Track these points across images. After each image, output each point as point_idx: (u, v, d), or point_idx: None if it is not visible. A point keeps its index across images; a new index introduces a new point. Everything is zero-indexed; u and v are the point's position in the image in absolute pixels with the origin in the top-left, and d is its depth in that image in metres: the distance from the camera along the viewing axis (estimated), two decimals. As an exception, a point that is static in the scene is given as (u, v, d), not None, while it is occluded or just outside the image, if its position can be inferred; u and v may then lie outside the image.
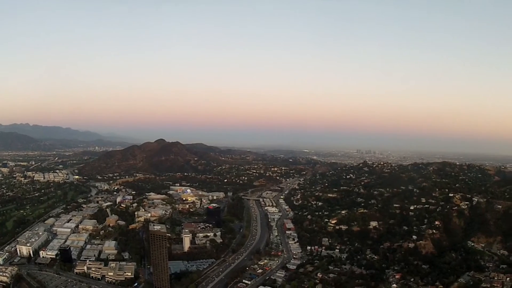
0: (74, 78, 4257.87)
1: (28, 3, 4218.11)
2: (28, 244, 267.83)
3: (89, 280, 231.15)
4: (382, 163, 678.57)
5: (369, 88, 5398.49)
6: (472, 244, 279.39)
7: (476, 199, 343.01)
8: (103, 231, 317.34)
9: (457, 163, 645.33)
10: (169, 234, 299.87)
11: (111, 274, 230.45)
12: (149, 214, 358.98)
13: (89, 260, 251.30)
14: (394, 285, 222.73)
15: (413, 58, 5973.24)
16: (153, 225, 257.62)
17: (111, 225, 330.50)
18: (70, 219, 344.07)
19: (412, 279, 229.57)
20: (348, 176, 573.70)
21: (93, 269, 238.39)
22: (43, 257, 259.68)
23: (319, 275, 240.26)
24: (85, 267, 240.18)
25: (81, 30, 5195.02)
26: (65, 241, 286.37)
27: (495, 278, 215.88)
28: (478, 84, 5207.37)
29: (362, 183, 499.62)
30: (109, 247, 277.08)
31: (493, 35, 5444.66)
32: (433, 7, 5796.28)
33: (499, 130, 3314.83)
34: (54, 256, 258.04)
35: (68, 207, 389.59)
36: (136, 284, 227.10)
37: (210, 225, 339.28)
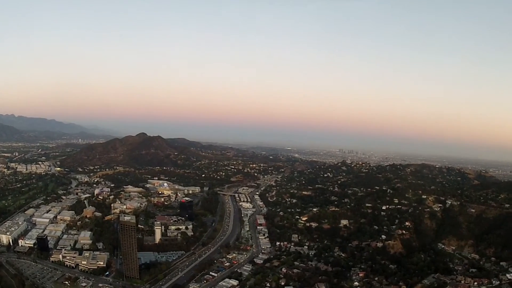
0: (60, 70, 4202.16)
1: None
2: (8, 233, 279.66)
3: (63, 268, 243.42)
4: (360, 163, 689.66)
5: (362, 90, 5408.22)
6: (443, 246, 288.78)
7: (449, 202, 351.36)
8: (80, 222, 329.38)
9: (437, 166, 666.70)
10: (141, 226, 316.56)
11: (85, 263, 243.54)
12: (125, 206, 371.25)
13: (65, 249, 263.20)
14: (356, 283, 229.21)
15: (411, 61, 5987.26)
16: (124, 215, 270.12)
17: (88, 216, 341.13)
18: (49, 210, 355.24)
19: (376, 278, 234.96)
20: (325, 175, 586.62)
21: (68, 257, 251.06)
22: (21, 245, 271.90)
23: (284, 270, 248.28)
24: (60, 256, 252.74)
25: (66, 23, 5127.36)
26: (43, 231, 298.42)
27: (462, 281, 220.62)
28: (477, 88, 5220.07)
29: (339, 182, 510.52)
30: (85, 237, 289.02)
31: (491, 40, 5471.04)
32: (436, 11, 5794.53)
33: (495, 136, 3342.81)
34: (32, 245, 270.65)
35: (48, 198, 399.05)
36: (107, 273, 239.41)
37: (183, 219, 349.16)
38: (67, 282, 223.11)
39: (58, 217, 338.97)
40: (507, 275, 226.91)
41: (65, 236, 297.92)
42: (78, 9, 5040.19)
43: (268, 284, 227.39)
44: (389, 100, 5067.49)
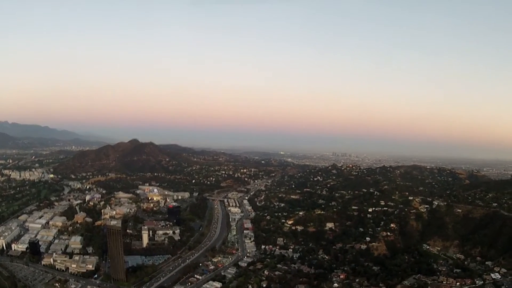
0: (53, 76, 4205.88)
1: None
2: (1, 238, 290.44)
3: (54, 271, 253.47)
4: (350, 165, 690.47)
5: (357, 92, 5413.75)
6: (428, 247, 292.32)
7: (436, 203, 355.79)
8: (71, 227, 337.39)
9: (428, 167, 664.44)
10: (130, 231, 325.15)
11: (74, 266, 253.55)
12: (114, 212, 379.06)
13: (56, 253, 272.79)
14: (336, 284, 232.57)
15: (407, 62, 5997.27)
16: (110, 220, 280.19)
17: (79, 221, 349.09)
18: (42, 216, 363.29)
19: (357, 280, 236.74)
20: (315, 178, 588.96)
21: (59, 261, 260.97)
22: (14, 249, 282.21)
23: (266, 272, 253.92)
24: (51, 260, 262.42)
25: (60, 30, 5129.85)
26: (36, 236, 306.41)
27: (444, 282, 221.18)
28: (473, 88, 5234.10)
29: (328, 185, 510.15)
30: (75, 241, 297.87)
31: (486, 40, 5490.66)
32: (431, 12, 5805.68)
33: (492, 135, 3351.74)
34: (24, 249, 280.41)
35: (41, 204, 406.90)
36: (96, 275, 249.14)
37: (170, 223, 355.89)
38: (57, 284, 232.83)
39: (50, 222, 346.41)
40: (492, 274, 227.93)
41: (56, 240, 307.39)
42: (72, 15, 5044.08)
43: (250, 286, 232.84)
44: (384, 102, 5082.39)
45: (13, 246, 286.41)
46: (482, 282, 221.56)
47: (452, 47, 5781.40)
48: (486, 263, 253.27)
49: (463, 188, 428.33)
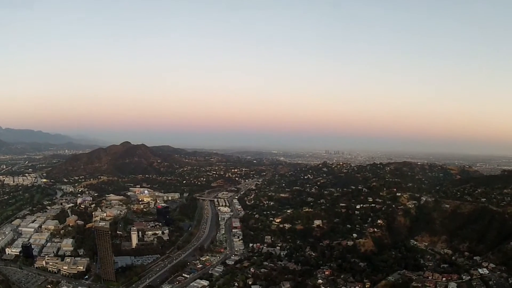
0: (46, 81, 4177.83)
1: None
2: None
3: (46, 273, 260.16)
4: (341, 163, 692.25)
5: (352, 91, 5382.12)
6: (415, 242, 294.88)
7: (424, 198, 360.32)
8: (63, 230, 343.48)
9: (419, 163, 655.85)
10: (120, 232, 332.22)
11: (66, 268, 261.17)
12: (105, 214, 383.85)
13: (48, 256, 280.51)
14: (320, 280, 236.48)
15: (402, 61, 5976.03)
16: (99, 221, 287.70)
17: (70, 224, 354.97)
18: (35, 220, 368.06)
19: (342, 276, 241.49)
20: (306, 176, 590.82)
21: (51, 263, 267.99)
22: (8, 254, 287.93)
23: (252, 270, 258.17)
24: (44, 262, 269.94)
25: (52, 34, 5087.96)
26: (29, 240, 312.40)
27: (429, 277, 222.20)
28: (467, 85, 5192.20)
29: (318, 183, 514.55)
30: (67, 244, 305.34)
31: (478, 38, 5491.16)
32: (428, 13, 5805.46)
33: (487, 130, 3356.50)
34: (18, 253, 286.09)
35: (34, 209, 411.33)
36: (86, 276, 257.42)
37: (160, 224, 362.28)
38: (49, 286, 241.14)
39: (42, 226, 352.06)
40: (479, 269, 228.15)
41: (48, 244, 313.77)
42: (65, 18, 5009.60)
43: (236, 284, 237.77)
44: (379, 100, 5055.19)
45: (7, 251, 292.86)
46: (469, 277, 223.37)
47: (449, 47, 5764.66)
48: (474, 258, 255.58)
49: (453, 183, 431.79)
